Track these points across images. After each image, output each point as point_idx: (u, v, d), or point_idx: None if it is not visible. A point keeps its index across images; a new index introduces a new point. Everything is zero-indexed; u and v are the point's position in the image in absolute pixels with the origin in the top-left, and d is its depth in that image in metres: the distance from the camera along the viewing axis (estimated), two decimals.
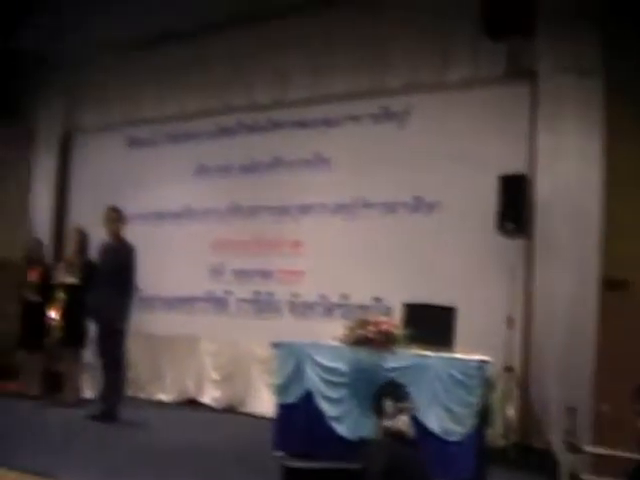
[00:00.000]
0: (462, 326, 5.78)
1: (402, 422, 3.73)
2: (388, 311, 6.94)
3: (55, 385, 8.29)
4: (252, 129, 8.56)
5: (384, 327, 5.74)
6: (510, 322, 6.43)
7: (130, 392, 8.03)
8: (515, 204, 6.41)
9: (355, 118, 7.81)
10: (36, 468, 5.18)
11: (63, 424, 7.09)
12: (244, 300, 8.35)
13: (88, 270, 7.84)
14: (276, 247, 8.20)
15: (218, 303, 8.53)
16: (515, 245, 6.59)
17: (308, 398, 5.85)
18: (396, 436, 3.72)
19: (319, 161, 7.99)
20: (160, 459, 5.87)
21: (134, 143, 9.55)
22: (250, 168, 8.48)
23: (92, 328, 7.65)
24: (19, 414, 7.56)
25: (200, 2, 7.89)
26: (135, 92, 9.40)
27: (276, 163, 8.30)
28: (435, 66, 7.30)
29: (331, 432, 5.68)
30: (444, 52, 7.23)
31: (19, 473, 5.10)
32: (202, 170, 8.87)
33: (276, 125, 8.37)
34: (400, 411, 3.73)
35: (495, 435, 6.10)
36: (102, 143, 9.87)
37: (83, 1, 7.73)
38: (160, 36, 8.82)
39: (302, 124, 8.18)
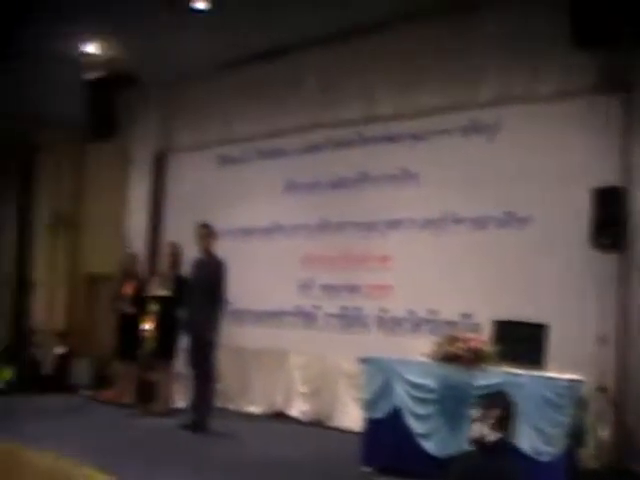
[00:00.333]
0: (554, 344, 5.65)
1: (478, 429, 3.63)
2: (477, 327, 6.85)
3: (148, 394, 8.54)
4: (340, 145, 8.59)
5: (473, 344, 5.67)
6: (604, 340, 6.25)
7: (219, 403, 8.16)
8: (611, 218, 6.24)
9: (444, 132, 7.73)
10: (125, 474, 5.35)
11: (153, 432, 7.31)
12: (332, 315, 8.39)
13: (179, 284, 8.08)
14: (364, 262, 8.20)
15: (307, 317, 8.60)
16: (609, 260, 6.41)
17: (396, 414, 5.83)
18: (479, 444, 3.65)
19: (407, 176, 7.95)
20: (248, 471, 5.96)
21: (225, 161, 9.76)
22: (338, 184, 8.53)
23: (183, 340, 7.87)
24: (112, 421, 7.86)
25: (290, 21, 8.03)
26: (227, 111, 9.60)
27: (364, 179, 8.31)
28: (526, 78, 7.17)
29: (419, 449, 5.64)
30: (535, 63, 7.09)
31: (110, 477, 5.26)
32: (291, 186, 8.98)
33: (364, 141, 8.39)
34: (483, 419, 3.64)
35: (588, 456, 5.91)
36: (194, 161, 10.15)
37: (177, 23, 7.95)
38: (251, 55, 9.01)
39: (390, 139, 8.16)
